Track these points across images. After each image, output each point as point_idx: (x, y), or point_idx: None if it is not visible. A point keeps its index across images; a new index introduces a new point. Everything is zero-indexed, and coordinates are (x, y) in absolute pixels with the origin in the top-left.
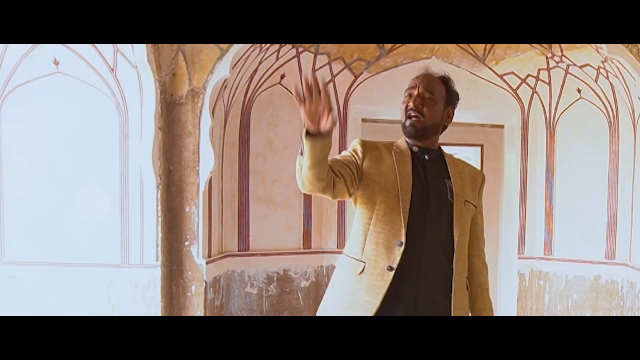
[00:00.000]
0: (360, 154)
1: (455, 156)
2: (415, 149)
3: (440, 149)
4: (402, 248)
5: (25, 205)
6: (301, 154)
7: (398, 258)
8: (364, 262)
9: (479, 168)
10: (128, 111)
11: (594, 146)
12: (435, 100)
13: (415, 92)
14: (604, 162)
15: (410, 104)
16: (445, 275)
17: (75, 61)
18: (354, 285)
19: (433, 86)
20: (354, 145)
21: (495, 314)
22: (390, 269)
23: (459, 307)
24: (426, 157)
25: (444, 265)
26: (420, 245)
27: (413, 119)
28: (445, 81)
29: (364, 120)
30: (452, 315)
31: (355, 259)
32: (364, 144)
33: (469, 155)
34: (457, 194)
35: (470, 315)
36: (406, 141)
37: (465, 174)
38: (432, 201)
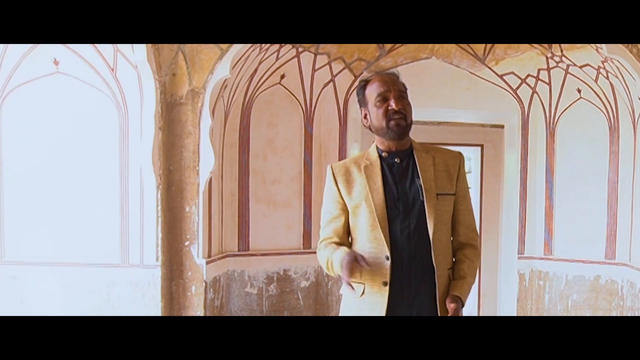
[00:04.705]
0: (334, 185)
1: (428, 145)
2: (384, 154)
3: (412, 145)
4: (389, 262)
5: (25, 205)
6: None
7: (389, 272)
8: (363, 283)
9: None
10: (128, 111)
11: (594, 146)
12: (408, 100)
13: (392, 95)
14: (604, 162)
15: (394, 107)
16: (429, 273)
17: (75, 61)
18: (359, 307)
19: (401, 86)
20: (327, 176)
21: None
22: (385, 284)
23: (444, 301)
24: (396, 160)
25: (427, 264)
26: (404, 252)
27: (398, 120)
28: (399, 78)
29: None
30: (438, 309)
31: (355, 282)
32: (334, 173)
33: (469, 155)
34: (427, 190)
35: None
36: (377, 148)
37: (437, 164)
38: (404, 205)
